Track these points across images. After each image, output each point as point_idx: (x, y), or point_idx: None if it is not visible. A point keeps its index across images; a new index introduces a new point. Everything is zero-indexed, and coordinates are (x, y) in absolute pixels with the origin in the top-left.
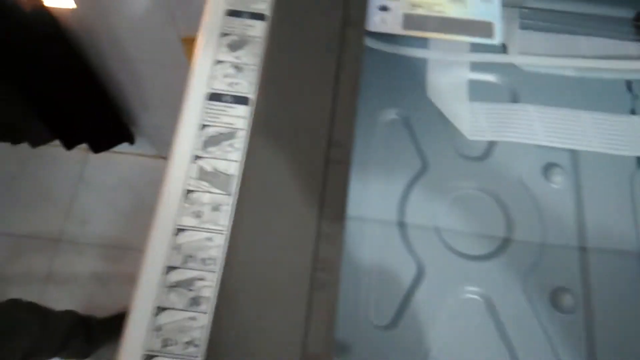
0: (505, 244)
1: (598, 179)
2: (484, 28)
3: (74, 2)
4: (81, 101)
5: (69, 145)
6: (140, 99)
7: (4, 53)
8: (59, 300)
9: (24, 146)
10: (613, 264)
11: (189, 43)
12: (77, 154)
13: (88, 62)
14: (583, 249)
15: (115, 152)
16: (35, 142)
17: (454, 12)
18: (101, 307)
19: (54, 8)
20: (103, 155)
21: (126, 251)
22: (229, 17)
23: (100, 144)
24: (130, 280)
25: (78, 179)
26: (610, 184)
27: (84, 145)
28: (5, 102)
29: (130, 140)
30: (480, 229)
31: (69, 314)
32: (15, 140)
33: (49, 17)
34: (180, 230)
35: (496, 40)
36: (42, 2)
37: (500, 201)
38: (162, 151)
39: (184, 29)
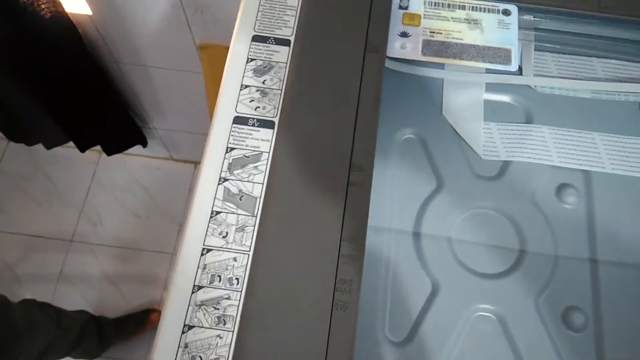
0: (518, 263)
1: (611, 200)
2: (501, 55)
3: (90, 9)
4: (96, 105)
5: (83, 147)
6: (155, 104)
7: (21, 57)
8: (71, 300)
9: (38, 147)
10: (624, 282)
11: (204, 50)
12: (90, 156)
13: (103, 67)
14: (594, 268)
15: (128, 154)
16: (50, 144)
17: (471, 38)
18: (113, 307)
19: (72, 14)
20: (116, 157)
21: (138, 252)
22: (255, 42)
23: (113, 147)
24: (142, 280)
25: (91, 180)
26: (623, 205)
27: (97, 147)
28: (21, 104)
29: (143, 143)
30: (494, 248)
31: (82, 314)
32: (30, 142)
33: (67, 22)
34: (208, 250)
35: (514, 66)
36: (61, 8)
37: (514, 221)
38: (174, 153)
39: (200, 35)
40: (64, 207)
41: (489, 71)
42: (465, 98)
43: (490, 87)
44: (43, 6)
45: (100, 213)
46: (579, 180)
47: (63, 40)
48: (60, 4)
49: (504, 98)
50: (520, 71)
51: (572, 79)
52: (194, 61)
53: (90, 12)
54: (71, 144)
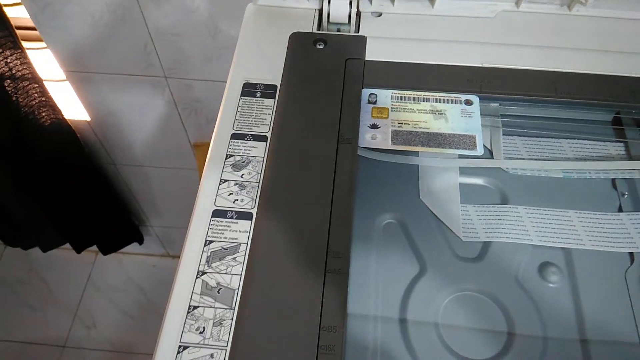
0: (508, 346)
1: (594, 276)
2: (467, 141)
3: (88, 115)
4: (93, 205)
5: (79, 248)
6: (151, 202)
7: (22, 163)
8: None
9: (35, 250)
10: (615, 356)
11: (199, 147)
12: (86, 256)
13: (101, 168)
14: (585, 348)
15: (124, 252)
16: (46, 247)
17: (437, 127)
18: None
19: (71, 120)
20: (111, 256)
21: (132, 355)
22: (233, 139)
23: (109, 246)
24: None
25: (86, 281)
26: (606, 280)
27: (93, 247)
28: (21, 209)
29: (139, 240)
30: (482, 332)
31: None
32: (26, 246)
33: (66, 128)
34: (184, 347)
35: (479, 151)
36: (61, 115)
37: (499, 303)
38: (170, 250)
39: (195, 134)
40: (58, 310)
41: (461, 156)
42: (441, 182)
43: (465, 171)
44: (43, 114)
45: (94, 316)
46: (560, 258)
47: (62, 145)
48: (60, 112)
49: (479, 181)
50: (491, 155)
51: (543, 159)
52: (189, 159)
53: (88, 118)
54: (67, 245)
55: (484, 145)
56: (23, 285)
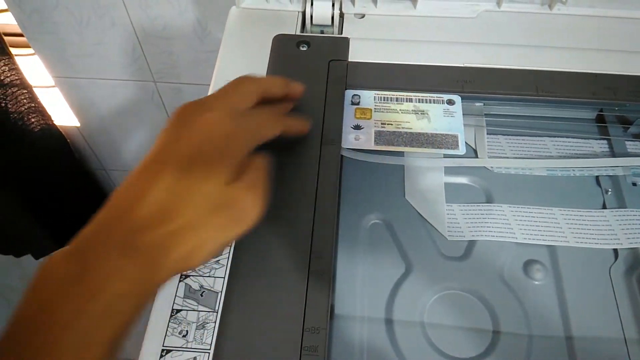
0: (493, 344)
1: (578, 273)
2: (449, 140)
3: (78, 120)
4: (84, 211)
5: None
6: None
7: (12, 169)
8: None
9: (26, 258)
10: (602, 357)
11: None
12: None
13: (91, 174)
14: (570, 345)
15: None
16: (39, 254)
17: (419, 127)
18: None
19: (61, 126)
20: None
21: None
22: None
23: None
24: None
25: None
26: (590, 277)
27: None
28: (11, 215)
29: None
30: (468, 330)
31: None
32: (19, 254)
33: (56, 134)
34: (167, 351)
35: (461, 150)
36: (51, 121)
37: (485, 301)
38: None
39: None
40: None
41: (446, 155)
42: (426, 182)
43: (449, 170)
44: (33, 120)
45: None
46: (545, 256)
47: (53, 151)
48: (49, 118)
49: (463, 180)
50: (476, 154)
51: (527, 158)
52: None
53: (78, 124)
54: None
55: (468, 144)
56: (15, 293)
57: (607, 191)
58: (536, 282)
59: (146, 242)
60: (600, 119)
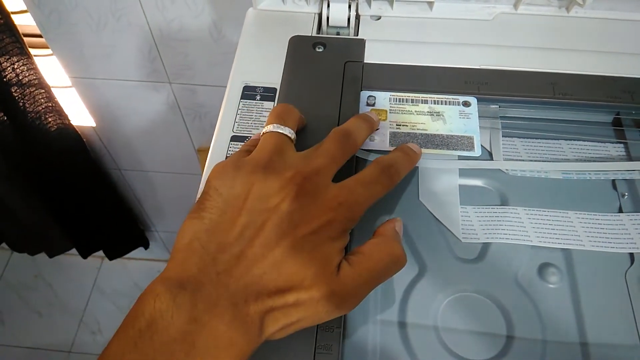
0: (506, 349)
1: (593, 277)
2: (464, 142)
3: (93, 120)
4: (99, 211)
5: (85, 253)
6: (155, 207)
7: (29, 168)
8: None
9: (41, 256)
10: (615, 358)
11: (203, 152)
12: (92, 261)
13: (106, 174)
14: (585, 351)
15: (129, 258)
16: (53, 252)
17: (435, 129)
18: None
19: (77, 126)
20: (117, 261)
21: None
22: (233, 142)
23: (115, 251)
24: None
25: (92, 287)
26: (606, 281)
27: (99, 252)
28: (28, 214)
29: (145, 245)
30: (480, 333)
31: None
32: (33, 252)
33: (72, 134)
34: None
35: (477, 152)
36: (67, 121)
37: (499, 304)
38: None
39: (199, 139)
40: (64, 316)
41: (461, 157)
42: (440, 184)
43: (464, 173)
44: (50, 120)
45: (100, 321)
46: (560, 259)
47: (69, 150)
48: (66, 117)
49: (478, 182)
50: (491, 156)
51: (542, 161)
52: (193, 164)
53: (94, 124)
54: (73, 251)
55: (483, 147)
56: (29, 291)
57: (623, 195)
58: (551, 286)
59: (259, 311)
60: (617, 123)
